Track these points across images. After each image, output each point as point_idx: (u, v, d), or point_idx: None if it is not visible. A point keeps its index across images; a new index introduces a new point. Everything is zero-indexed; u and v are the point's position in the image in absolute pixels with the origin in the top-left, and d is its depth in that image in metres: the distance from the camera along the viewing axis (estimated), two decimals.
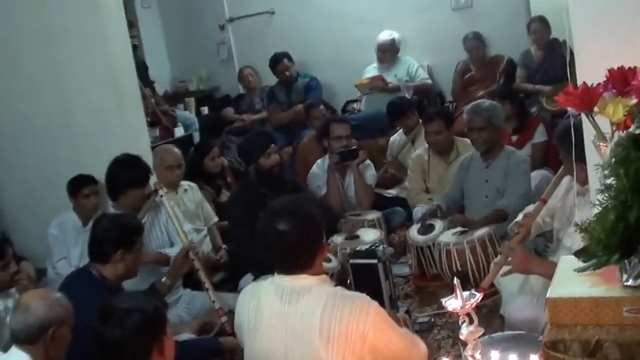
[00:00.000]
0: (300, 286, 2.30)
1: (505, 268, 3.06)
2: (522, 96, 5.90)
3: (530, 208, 3.50)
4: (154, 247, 3.97)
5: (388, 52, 6.82)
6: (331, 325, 2.21)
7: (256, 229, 2.35)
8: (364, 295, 2.33)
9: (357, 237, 4.42)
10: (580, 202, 2.97)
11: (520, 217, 3.49)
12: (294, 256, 2.30)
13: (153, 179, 4.16)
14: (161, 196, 3.96)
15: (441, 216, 4.44)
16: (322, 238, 2.36)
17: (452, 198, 4.61)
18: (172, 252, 3.91)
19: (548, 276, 2.75)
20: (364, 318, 2.22)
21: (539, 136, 5.33)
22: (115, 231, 3.08)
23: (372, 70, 6.87)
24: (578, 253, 2.05)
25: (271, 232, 2.29)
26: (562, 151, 3.16)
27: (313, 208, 2.38)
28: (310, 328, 2.23)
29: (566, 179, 3.31)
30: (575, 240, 2.85)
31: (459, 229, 4.18)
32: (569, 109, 2.20)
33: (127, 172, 3.83)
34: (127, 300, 2.20)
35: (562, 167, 3.29)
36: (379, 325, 2.24)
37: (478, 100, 4.70)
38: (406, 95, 6.56)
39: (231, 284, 4.39)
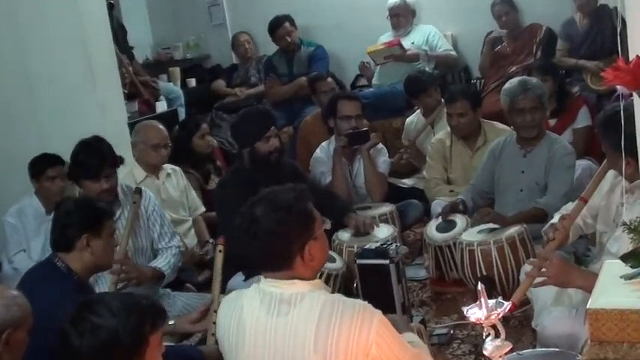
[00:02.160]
0: (290, 294, 2.26)
1: (539, 279, 3.03)
2: (563, 72, 5.86)
3: (570, 207, 3.46)
4: (135, 256, 3.96)
5: (402, 17, 6.79)
6: (328, 338, 2.17)
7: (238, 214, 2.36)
8: (365, 302, 2.29)
9: (367, 233, 4.39)
10: (628, 200, 2.94)
11: (556, 218, 3.45)
12: (265, 250, 2.28)
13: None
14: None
15: (465, 212, 4.42)
16: (305, 236, 2.29)
17: (479, 190, 4.58)
18: (163, 267, 3.91)
19: (590, 290, 2.72)
20: (367, 330, 2.18)
21: (582, 120, 5.30)
22: (78, 213, 3.06)
23: (386, 39, 6.83)
24: (625, 257, 2.02)
25: (246, 219, 2.29)
26: (605, 143, 3.11)
27: (301, 201, 2.33)
28: (304, 344, 2.19)
29: (611, 173, 3.28)
30: (623, 244, 2.82)
31: (484, 226, 4.15)
32: (618, 87, 2.17)
33: (82, 158, 3.78)
34: (104, 312, 2.17)
35: (605, 161, 3.25)
36: (384, 339, 2.20)
37: (524, 77, 4.66)
38: (426, 68, 6.52)
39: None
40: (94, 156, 3.78)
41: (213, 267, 3.70)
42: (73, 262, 3.01)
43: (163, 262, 3.95)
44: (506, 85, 4.53)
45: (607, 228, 3.29)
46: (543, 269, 2.96)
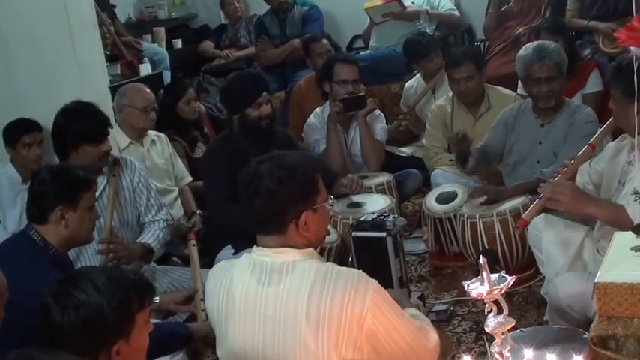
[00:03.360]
0: (281, 262, 2.28)
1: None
2: (573, 34, 5.83)
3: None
4: (121, 230, 3.95)
5: None
6: (321, 308, 2.18)
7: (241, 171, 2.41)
8: (360, 271, 2.30)
9: (362, 204, 4.39)
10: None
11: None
12: (260, 208, 2.29)
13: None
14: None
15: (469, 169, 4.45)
16: (304, 204, 2.31)
17: (487, 153, 4.50)
18: (152, 242, 3.91)
19: (605, 218, 2.93)
20: (361, 298, 2.19)
21: (593, 84, 5.28)
22: (53, 183, 3.03)
23: None
24: (636, 229, 2.02)
25: (250, 173, 2.33)
26: (615, 92, 3.10)
27: (308, 168, 2.37)
28: (295, 314, 2.21)
29: (616, 140, 3.30)
30: (627, 204, 2.83)
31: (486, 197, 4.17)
32: (632, 49, 2.16)
33: (80, 124, 3.73)
34: (89, 287, 2.15)
35: (612, 118, 3.26)
36: (380, 307, 2.21)
37: (540, 42, 4.52)
38: (427, 30, 6.49)
39: (207, 258, 4.38)
40: (91, 120, 3.75)
41: (190, 260, 3.71)
42: (48, 234, 2.99)
43: (152, 237, 3.95)
44: (521, 52, 4.41)
45: (611, 191, 3.29)
46: (557, 194, 3.01)
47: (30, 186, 3.14)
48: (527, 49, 4.40)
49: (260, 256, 2.33)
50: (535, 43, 4.54)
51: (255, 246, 2.37)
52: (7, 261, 2.79)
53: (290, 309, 2.22)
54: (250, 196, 2.30)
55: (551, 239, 3.28)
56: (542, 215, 3.61)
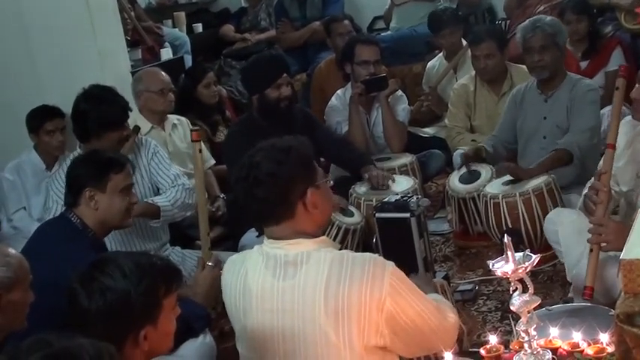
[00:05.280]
0: (295, 254, 2.25)
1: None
2: (594, 11, 5.78)
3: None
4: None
5: None
6: (339, 298, 2.16)
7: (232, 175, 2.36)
8: (376, 255, 2.28)
9: (385, 187, 4.38)
10: None
11: (586, 190, 3.41)
12: (266, 195, 2.25)
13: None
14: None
15: (487, 160, 4.41)
16: (306, 180, 2.29)
17: (501, 139, 4.54)
18: (160, 201, 3.89)
19: None
20: (379, 283, 2.16)
21: (616, 62, 5.21)
22: (83, 165, 3.07)
23: None
24: None
25: (245, 166, 2.29)
26: None
27: (301, 146, 2.34)
28: (313, 306, 2.19)
29: (629, 125, 3.25)
30: None
31: (510, 176, 4.15)
32: None
33: (103, 111, 3.74)
34: (116, 273, 2.15)
35: (615, 97, 3.22)
36: (397, 290, 2.18)
37: (538, 15, 4.58)
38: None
39: (230, 241, 4.41)
40: (113, 106, 3.77)
41: (194, 168, 3.60)
42: (85, 217, 3.01)
43: (163, 199, 3.91)
44: (521, 24, 4.46)
45: (631, 184, 3.24)
46: (602, 236, 2.95)
47: (67, 170, 3.16)
48: (527, 21, 4.42)
49: (272, 248, 2.29)
50: (536, 16, 4.54)
51: (265, 239, 2.34)
52: (46, 243, 2.82)
53: (308, 302, 2.19)
54: (251, 187, 2.25)
55: (567, 231, 3.26)
56: (556, 210, 3.62)
